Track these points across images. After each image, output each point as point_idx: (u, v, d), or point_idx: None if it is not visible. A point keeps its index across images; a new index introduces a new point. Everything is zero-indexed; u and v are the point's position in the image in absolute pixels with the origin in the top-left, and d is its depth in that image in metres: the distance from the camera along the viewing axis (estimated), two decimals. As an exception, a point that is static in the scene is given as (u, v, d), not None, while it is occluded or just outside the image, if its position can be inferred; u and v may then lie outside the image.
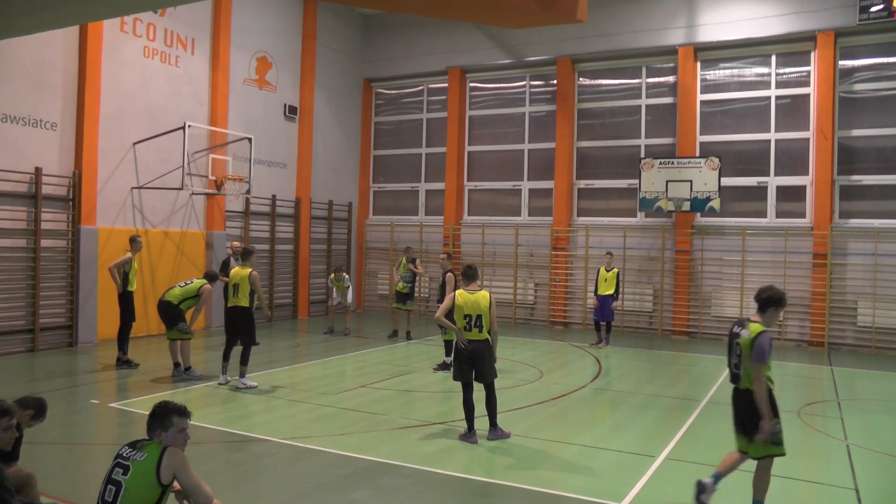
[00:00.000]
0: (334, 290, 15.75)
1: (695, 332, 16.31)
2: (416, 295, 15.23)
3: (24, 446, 4.83)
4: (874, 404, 9.92)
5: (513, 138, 19.16)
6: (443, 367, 11.32)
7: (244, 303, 9.77)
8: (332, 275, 15.67)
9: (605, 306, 14.10)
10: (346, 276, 15.74)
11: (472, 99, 19.73)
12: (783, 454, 5.29)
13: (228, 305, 9.93)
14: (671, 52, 16.89)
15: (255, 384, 9.70)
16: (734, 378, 5.40)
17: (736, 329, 5.40)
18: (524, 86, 19.06)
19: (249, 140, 15.48)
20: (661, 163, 16.03)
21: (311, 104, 18.55)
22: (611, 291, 14.01)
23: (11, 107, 11.89)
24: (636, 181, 16.54)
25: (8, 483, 4.17)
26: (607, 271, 14.12)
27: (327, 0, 17.92)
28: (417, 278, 15.01)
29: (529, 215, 18.79)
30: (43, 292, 12.34)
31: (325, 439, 7.27)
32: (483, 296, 7.41)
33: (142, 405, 8.47)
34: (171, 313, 10.20)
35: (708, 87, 16.80)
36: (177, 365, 10.27)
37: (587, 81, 18.25)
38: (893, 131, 15.00)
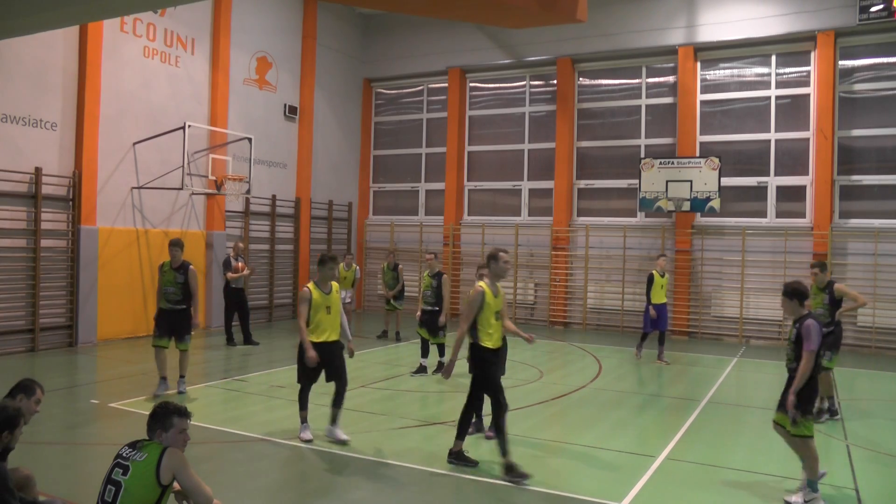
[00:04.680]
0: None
1: (695, 332, 16.30)
2: (405, 295, 14.92)
3: (25, 446, 4.85)
4: (874, 404, 9.92)
5: (513, 138, 19.16)
6: (439, 367, 11.16)
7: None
8: (341, 264, 14.97)
9: (662, 316, 12.60)
10: (357, 266, 15.15)
11: (472, 99, 19.72)
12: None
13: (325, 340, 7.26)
14: (671, 52, 16.89)
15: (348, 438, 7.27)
16: None
17: None
18: (524, 86, 19.06)
19: (249, 140, 15.48)
20: (661, 163, 16.03)
21: (311, 104, 18.55)
22: (665, 300, 12.65)
23: (11, 107, 11.88)
24: (636, 181, 16.54)
25: (10, 484, 4.18)
26: (661, 276, 12.58)
27: (327, 0, 17.92)
28: (401, 279, 14.56)
29: (529, 215, 18.79)
30: (43, 292, 12.33)
31: (325, 439, 7.26)
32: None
33: (142, 405, 8.46)
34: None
35: (708, 87, 16.80)
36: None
37: (587, 81, 18.25)
38: (893, 131, 15.00)
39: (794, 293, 5.96)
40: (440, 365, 11.14)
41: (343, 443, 7.09)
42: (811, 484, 5.79)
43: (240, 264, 13.55)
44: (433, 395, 9.69)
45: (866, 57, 15.40)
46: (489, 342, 6.50)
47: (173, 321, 9.16)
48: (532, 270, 18.37)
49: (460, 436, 6.61)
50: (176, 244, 9.32)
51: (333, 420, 7.24)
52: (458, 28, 19.15)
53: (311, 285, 7.34)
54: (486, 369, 6.50)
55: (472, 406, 6.71)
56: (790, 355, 5.93)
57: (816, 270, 8.93)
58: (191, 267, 9.26)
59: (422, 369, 11.04)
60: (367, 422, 8.10)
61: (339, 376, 7.25)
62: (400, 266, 14.67)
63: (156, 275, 14.23)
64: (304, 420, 7.35)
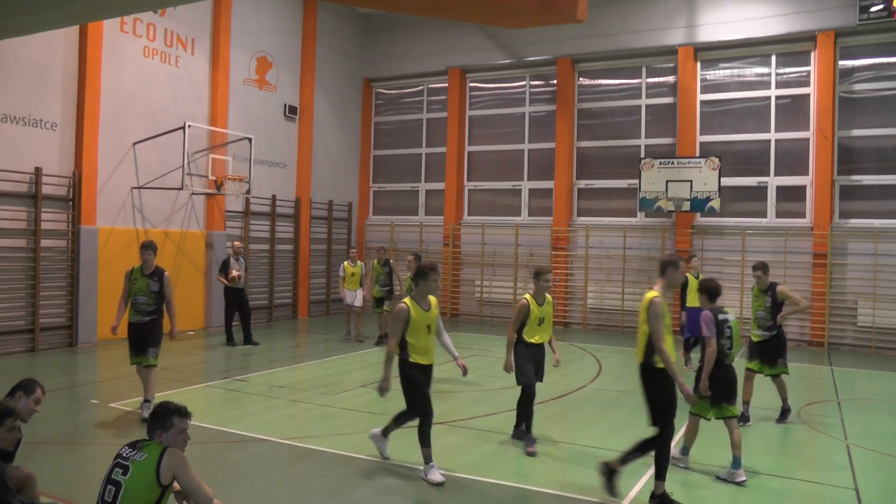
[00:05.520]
0: (345, 285, 14.20)
1: (695, 332, 16.29)
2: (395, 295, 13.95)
3: (25, 446, 4.85)
4: (874, 404, 9.92)
5: (513, 138, 19.16)
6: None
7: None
8: (346, 261, 14.37)
9: (696, 320, 12.20)
10: (361, 262, 14.49)
11: (472, 99, 19.73)
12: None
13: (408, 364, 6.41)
14: (671, 52, 16.89)
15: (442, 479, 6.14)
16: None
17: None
18: (524, 86, 19.07)
19: (249, 140, 15.48)
20: (661, 163, 16.03)
21: (311, 104, 18.55)
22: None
23: (11, 107, 11.88)
24: (636, 181, 16.54)
25: (9, 483, 4.19)
26: (696, 278, 11.60)
27: (327, 0, 17.92)
28: (395, 279, 13.97)
29: (529, 215, 18.79)
30: (43, 292, 12.33)
31: (325, 439, 7.27)
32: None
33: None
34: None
35: (708, 87, 16.80)
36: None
37: (587, 81, 18.25)
38: (893, 131, 15.00)
39: (701, 289, 6.90)
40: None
41: (440, 484, 6.02)
42: (684, 450, 6.69)
43: (234, 273, 13.41)
44: (433, 396, 9.66)
45: (866, 57, 15.40)
46: (662, 363, 5.61)
47: (141, 334, 8.08)
48: (532, 270, 18.33)
49: (660, 476, 5.68)
50: (148, 247, 8.29)
51: (428, 459, 6.19)
52: (458, 28, 19.15)
53: (408, 301, 6.34)
54: (667, 392, 5.65)
55: (666, 437, 5.71)
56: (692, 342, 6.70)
57: (759, 273, 8.51)
58: (166, 273, 8.30)
59: None
60: (367, 422, 8.09)
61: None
62: (392, 262, 14.11)
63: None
64: (429, 459, 6.22)
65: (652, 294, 5.67)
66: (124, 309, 8.24)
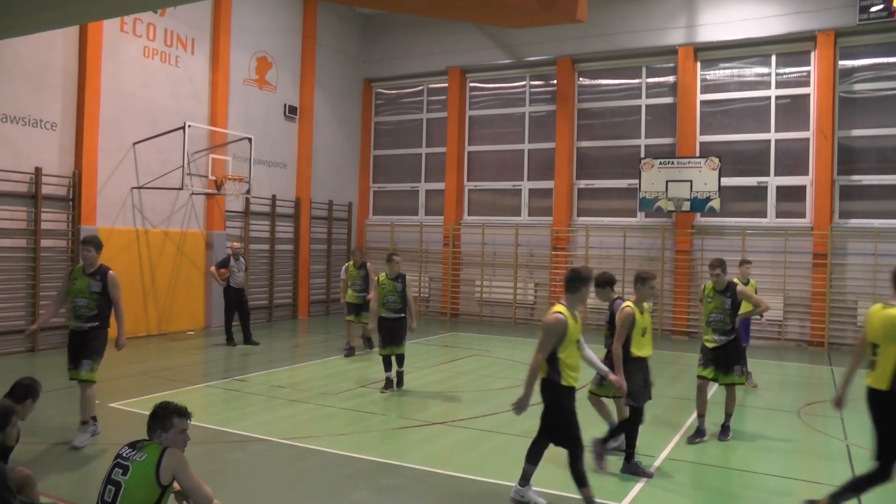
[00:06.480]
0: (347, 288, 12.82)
1: (695, 332, 16.30)
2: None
3: (25, 446, 4.85)
4: (874, 404, 9.89)
5: (513, 138, 19.16)
6: (389, 384, 9.89)
7: None
8: (350, 263, 12.87)
9: (745, 329, 10.55)
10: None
11: (472, 99, 19.73)
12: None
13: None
14: (671, 52, 16.89)
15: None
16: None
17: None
18: (524, 86, 19.07)
19: (249, 140, 15.47)
20: (661, 163, 16.03)
21: (311, 104, 18.55)
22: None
23: (11, 107, 11.89)
24: (636, 181, 16.55)
25: (10, 483, 4.20)
26: (745, 285, 10.26)
27: (327, 0, 17.93)
28: (371, 285, 12.17)
29: (529, 215, 18.79)
30: (43, 292, 12.32)
31: (325, 439, 7.27)
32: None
33: (142, 405, 8.47)
34: None
35: (708, 87, 16.80)
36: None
37: (587, 81, 18.25)
38: (893, 131, 15.00)
39: (605, 282, 6.98)
40: (399, 377, 9.99)
41: None
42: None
43: (223, 270, 13.36)
44: (433, 396, 9.68)
45: (866, 57, 15.40)
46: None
47: (79, 343, 7.21)
48: (532, 270, 18.37)
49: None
50: (90, 242, 7.22)
51: (526, 478, 5.66)
52: (458, 28, 19.15)
53: (563, 309, 5.53)
54: None
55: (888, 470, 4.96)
56: (606, 333, 6.90)
57: (718, 271, 7.68)
58: (110, 272, 7.24)
59: (389, 384, 9.83)
60: (367, 422, 8.11)
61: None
62: (369, 264, 12.86)
63: (155, 276, 14.42)
64: (528, 478, 5.67)
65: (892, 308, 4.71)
66: (52, 312, 7.41)
